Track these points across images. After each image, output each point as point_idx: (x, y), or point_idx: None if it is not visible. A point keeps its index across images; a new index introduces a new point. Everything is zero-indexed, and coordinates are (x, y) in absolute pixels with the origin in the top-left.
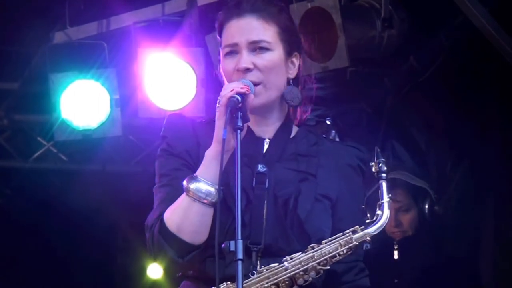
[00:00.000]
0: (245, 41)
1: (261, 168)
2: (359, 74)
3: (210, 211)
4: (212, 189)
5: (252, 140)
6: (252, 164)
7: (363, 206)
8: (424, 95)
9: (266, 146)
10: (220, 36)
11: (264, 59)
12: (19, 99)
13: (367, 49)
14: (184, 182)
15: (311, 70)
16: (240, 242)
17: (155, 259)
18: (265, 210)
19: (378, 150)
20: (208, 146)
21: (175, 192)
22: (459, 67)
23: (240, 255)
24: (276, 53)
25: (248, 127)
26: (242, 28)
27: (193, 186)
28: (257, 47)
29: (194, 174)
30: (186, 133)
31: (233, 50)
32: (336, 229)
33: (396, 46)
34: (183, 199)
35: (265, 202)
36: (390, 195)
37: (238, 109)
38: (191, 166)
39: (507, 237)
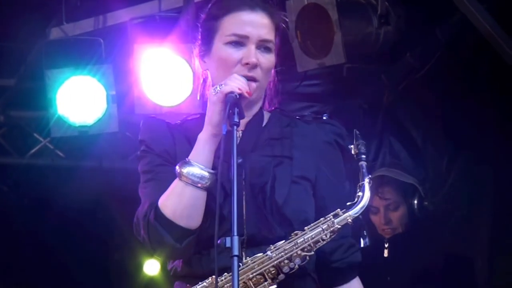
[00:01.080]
0: (256, 36)
1: (236, 159)
2: (356, 70)
3: (203, 195)
4: (205, 173)
5: (225, 135)
6: (228, 158)
7: (360, 184)
8: (421, 92)
9: (239, 140)
10: (218, 21)
11: (268, 59)
12: (15, 96)
13: (364, 46)
14: (177, 167)
15: (307, 66)
16: (235, 238)
17: (152, 248)
18: (244, 201)
19: (357, 132)
20: (183, 145)
21: (161, 184)
22: (455, 64)
23: (236, 251)
24: (274, 56)
25: None
26: (254, 22)
27: (186, 170)
28: (264, 46)
29: (187, 159)
30: (163, 134)
31: (240, 42)
32: (320, 208)
33: (392, 43)
34: (176, 184)
35: (243, 193)
36: (370, 176)
37: (234, 105)
38: (171, 163)
39: (504, 234)
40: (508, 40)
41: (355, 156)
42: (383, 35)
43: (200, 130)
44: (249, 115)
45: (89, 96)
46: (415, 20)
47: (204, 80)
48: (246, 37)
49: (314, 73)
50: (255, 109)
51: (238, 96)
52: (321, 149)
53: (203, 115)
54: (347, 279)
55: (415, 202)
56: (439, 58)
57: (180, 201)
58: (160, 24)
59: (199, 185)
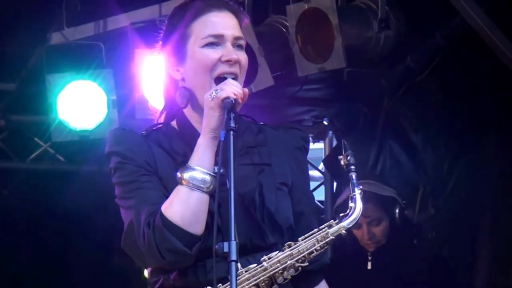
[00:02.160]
0: (231, 34)
1: (218, 170)
2: (356, 74)
3: (207, 199)
4: (207, 177)
5: (223, 141)
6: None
7: (352, 195)
8: (421, 95)
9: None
10: (188, 26)
11: (244, 57)
12: (16, 100)
13: (364, 50)
14: (178, 174)
15: (308, 71)
16: (233, 243)
17: (161, 257)
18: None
19: (345, 142)
20: (161, 154)
21: (149, 193)
22: (455, 67)
23: (233, 256)
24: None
25: (195, 131)
26: (225, 21)
27: (190, 175)
28: (238, 43)
29: (187, 164)
30: (139, 145)
31: (216, 42)
32: (297, 213)
33: (392, 47)
34: (180, 190)
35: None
36: (360, 187)
37: (231, 110)
38: (153, 174)
39: (504, 239)
40: (507, 43)
41: (344, 167)
42: (383, 39)
43: (171, 139)
44: None
45: (90, 101)
46: (415, 24)
47: (175, 85)
48: (221, 36)
49: (315, 78)
50: None
51: (234, 102)
52: (293, 155)
53: (166, 125)
54: (318, 281)
55: (396, 212)
56: (439, 61)
57: (188, 207)
58: (161, 28)
59: (204, 189)
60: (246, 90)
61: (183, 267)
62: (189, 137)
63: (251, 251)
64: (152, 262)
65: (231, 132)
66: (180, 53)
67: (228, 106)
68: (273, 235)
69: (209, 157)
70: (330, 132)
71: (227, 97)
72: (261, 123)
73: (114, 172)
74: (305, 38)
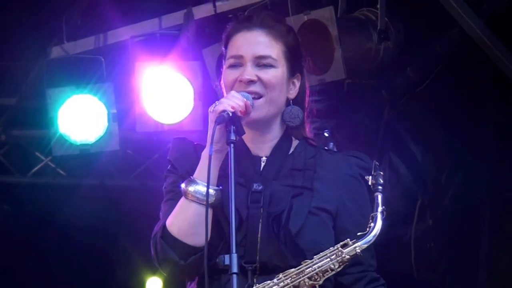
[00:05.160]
0: (251, 54)
1: (256, 186)
2: (356, 86)
3: (209, 212)
4: (210, 190)
5: (248, 159)
6: (248, 183)
7: (373, 214)
8: (421, 106)
9: (263, 164)
10: (226, 47)
11: (269, 74)
12: (17, 115)
13: (364, 61)
14: (182, 185)
15: (308, 82)
16: (234, 256)
17: (159, 265)
18: (260, 228)
19: (376, 163)
20: None
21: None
22: (455, 78)
23: (234, 269)
24: (280, 71)
25: (245, 145)
26: (249, 41)
27: (191, 188)
28: (262, 62)
29: (192, 177)
30: (188, 156)
31: (238, 63)
32: (342, 242)
33: (392, 58)
34: (182, 202)
35: (260, 220)
36: (383, 207)
37: (231, 122)
38: None
39: (504, 251)
40: (507, 54)
41: (372, 187)
42: (383, 51)
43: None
44: (271, 139)
45: (90, 115)
46: (415, 35)
47: None
48: (241, 57)
49: (315, 89)
50: (274, 132)
51: (230, 115)
52: (346, 183)
53: None
54: None
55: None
56: (439, 72)
57: (185, 219)
58: (161, 42)
59: (204, 202)
60: (248, 102)
61: (200, 281)
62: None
63: (271, 271)
64: (161, 272)
65: (231, 145)
66: (221, 69)
67: (220, 120)
68: (295, 257)
69: (212, 170)
70: (331, 143)
71: (224, 110)
72: (325, 148)
73: (164, 179)
74: (305, 50)
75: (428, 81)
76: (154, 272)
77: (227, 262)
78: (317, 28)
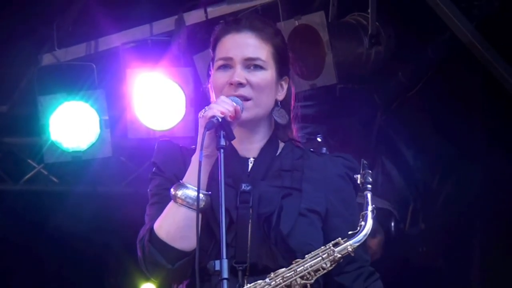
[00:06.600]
0: (240, 56)
1: (245, 187)
2: (348, 90)
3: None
4: (200, 195)
5: (236, 160)
6: (236, 184)
7: (363, 213)
8: (413, 110)
9: (250, 165)
10: (214, 50)
11: (258, 76)
12: (8, 122)
13: (355, 66)
14: (172, 190)
15: (299, 87)
16: (225, 261)
17: (146, 269)
18: (249, 229)
19: (365, 162)
20: None
21: (164, 208)
22: (447, 83)
23: (225, 274)
24: (269, 73)
25: (232, 147)
26: (238, 43)
27: (180, 192)
28: (251, 64)
29: (181, 181)
30: (175, 158)
31: (227, 64)
32: (333, 241)
33: (383, 62)
34: (171, 206)
35: (250, 220)
36: (373, 205)
37: (220, 127)
38: None
39: (495, 255)
40: (498, 58)
41: (360, 185)
42: (374, 55)
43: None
44: (259, 140)
45: (82, 122)
46: (406, 40)
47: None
48: (230, 59)
49: (307, 94)
50: (262, 133)
51: (220, 120)
52: (333, 183)
53: None
54: None
55: (392, 225)
56: (430, 76)
57: (174, 223)
58: (152, 48)
59: (194, 206)
60: (238, 107)
61: (190, 284)
62: None
63: (261, 272)
64: (147, 275)
65: (221, 151)
66: (209, 72)
67: (210, 126)
68: (285, 258)
69: (202, 175)
70: (324, 148)
71: (213, 116)
72: (311, 150)
73: (149, 181)
74: (296, 55)
75: (420, 85)
76: (147, 278)
77: (217, 267)
78: (308, 33)
